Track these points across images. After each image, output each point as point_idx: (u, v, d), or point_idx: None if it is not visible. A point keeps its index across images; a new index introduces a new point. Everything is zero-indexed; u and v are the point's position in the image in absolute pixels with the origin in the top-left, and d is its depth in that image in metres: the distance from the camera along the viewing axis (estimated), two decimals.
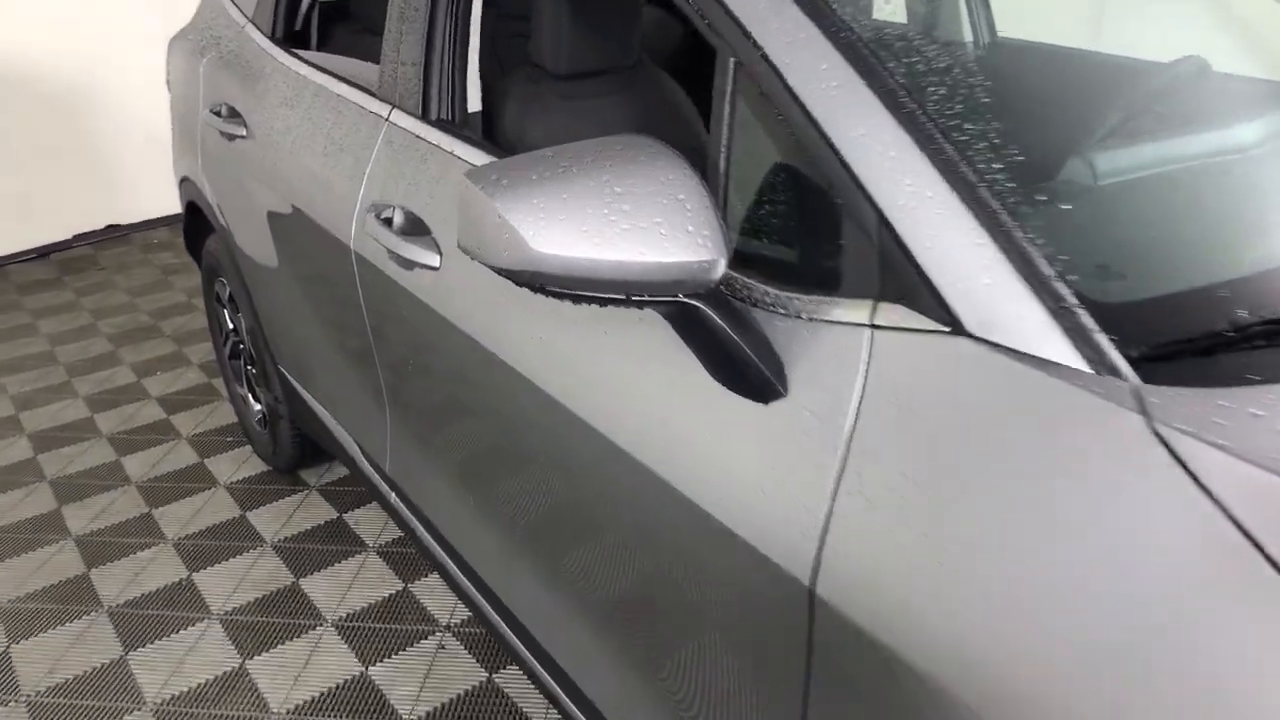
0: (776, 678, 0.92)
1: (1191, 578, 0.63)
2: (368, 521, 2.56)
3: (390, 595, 2.27)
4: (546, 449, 1.23)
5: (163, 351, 3.65)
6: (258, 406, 2.72)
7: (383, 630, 2.15)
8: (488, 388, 1.34)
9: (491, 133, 1.66)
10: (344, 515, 2.58)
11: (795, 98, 0.92)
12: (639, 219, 0.88)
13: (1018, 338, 0.77)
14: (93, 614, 2.25)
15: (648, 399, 1.03)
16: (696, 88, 1.96)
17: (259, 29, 2.22)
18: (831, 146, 0.89)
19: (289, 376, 2.29)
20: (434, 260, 1.40)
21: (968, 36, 2.45)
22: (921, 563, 0.76)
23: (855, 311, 0.87)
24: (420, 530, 1.74)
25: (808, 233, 0.96)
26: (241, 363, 2.75)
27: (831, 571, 0.83)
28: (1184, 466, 0.66)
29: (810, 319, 0.90)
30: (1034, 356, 0.76)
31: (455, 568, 1.64)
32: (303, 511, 2.61)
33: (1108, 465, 0.69)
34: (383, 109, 1.65)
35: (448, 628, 2.15)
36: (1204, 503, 0.64)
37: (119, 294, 4.25)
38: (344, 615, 2.21)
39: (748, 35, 0.97)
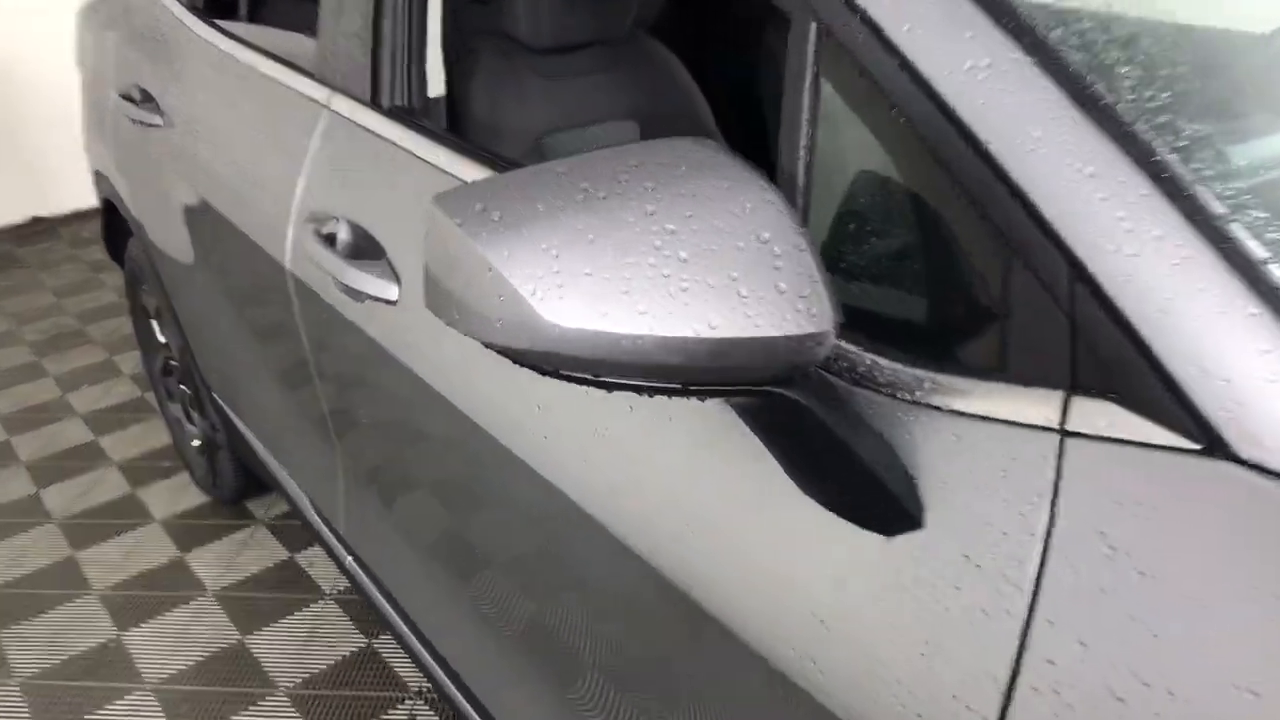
0: None
1: None
2: (323, 562, 2.24)
3: (353, 653, 1.96)
4: (551, 549, 0.94)
5: (91, 360, 3.28)
6: (195, 430, 2.38)
7: (346, 700, 1.85)
8: (468, 463, 1.03)
9: (458, 123, 1.34)
10: (295, 556, 2.26)
11: (923, 83, 0.62)
12: (704, 272, 0.57)
13: None
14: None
15: (698, 506, 0.74)
16: (694, 66, 1.66)
17: None
18: (986, 157, 0.59)
19: (224, 406, 1.96)
20: (390, 292, 1.08)
21: None
22: None
23: (1033, 407, 0.58)
24: (385, 607, 1.44)
25: (944, 282, 0.66)
26: (175, 381, 2.41)
27: None
28: None
29: (956, 413, 0.61)
30: None
31: (430, 660, 1.34)
32: (249, 552, 2.29)
33: None
34: (321, 94, 1.32)
35: (419, 693, 1.85)
36: None
37: (43, 295, 3.85)
38: (300, 681, 1.90)
39: None
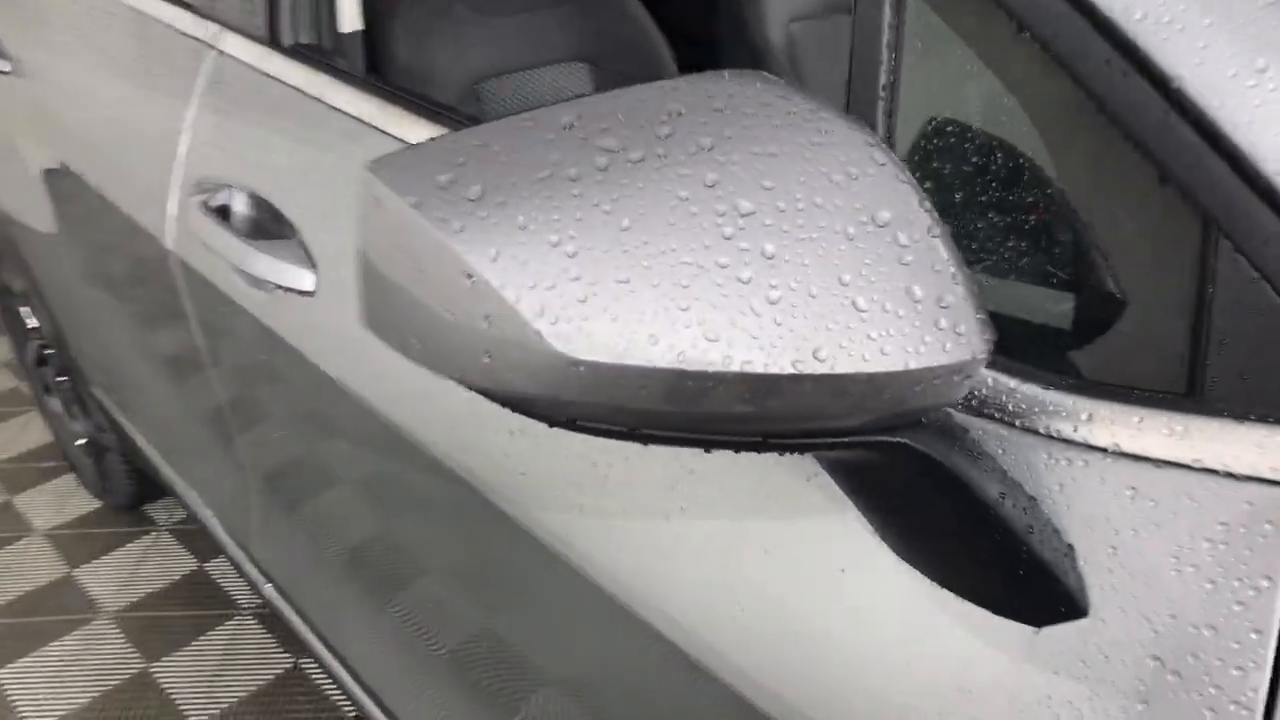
0: None
1: None
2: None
3: (277, 677, 1.74)
4: (534, 598, 0.74)
5: None
6: (79, 428, 2.09)
7: None
8: (415, 493, 0.83)
9: (378, 66, 1.11)
10: (205, 565, 2.01)
11: (1088, 9, 0.44)
12: (801, 277, 0.38)
13: None
14: None
15: (739, 579, 0.55)
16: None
17: None
18: (1176, 98, 0.41)
19: (108, 405, 1.69)
20: (304, 281, 0.85)
21: None
22: None
23: (1252, 446, 0.41)
24: (308, 634, 1.22)
25: (1102, 272, 0.48)
26: (52, 373, 2.10)
27: None
28: None
29: (1130, 456, 0.43)
30: None
31: (360, 691, 1.13)
32: (151, 564, 2.03)
33: None
34: (206, 30, 1.06)
35: None
36: None
37: None
38: (218, 713, 1.68)
39: None
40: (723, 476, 0.55)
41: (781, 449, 0.44)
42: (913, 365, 0.37)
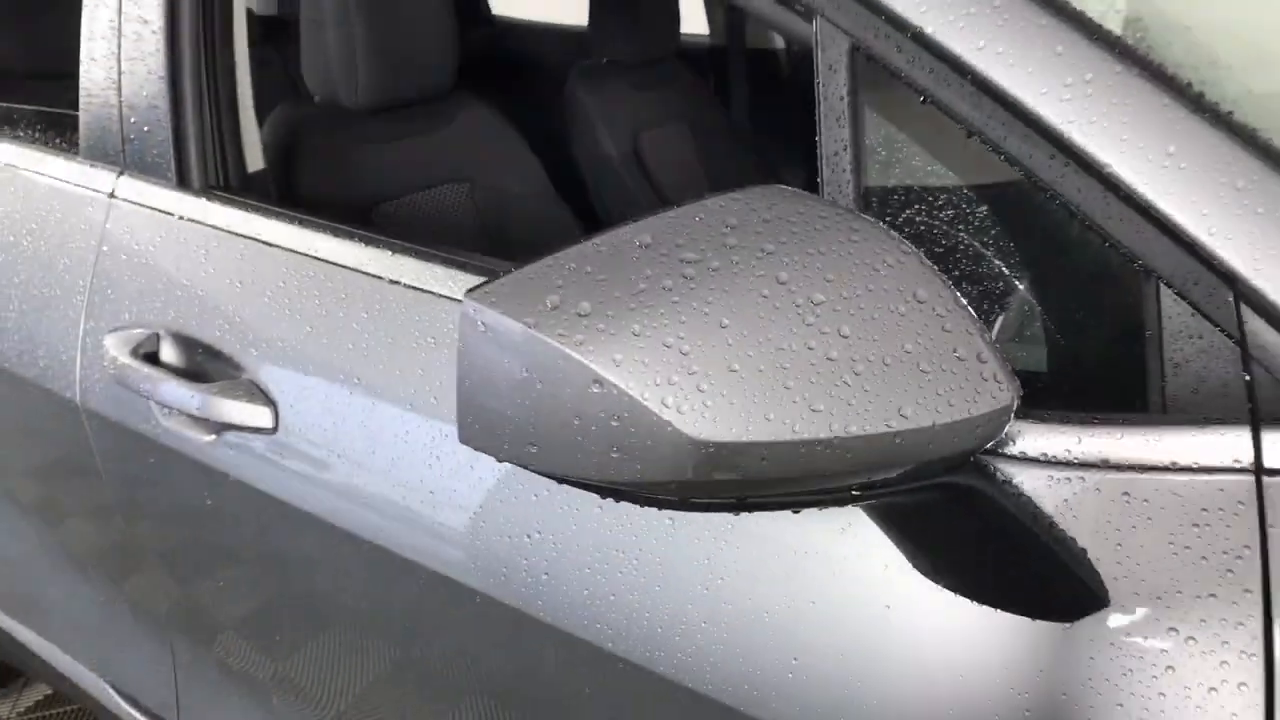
0: None
1: None
2: None
3: None
4: (580, 697, 0.75)
5: None
6: None
7: None
8: (410, 614, 0.82)
9: (283, 200, 1.12)
10: None
11: (1011, 104, 0.55)
12: (876, 348, 0.46)
13: None
14: None
15: (792, 635, 0.60)
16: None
17: None
18: (1112, 183, 0.53)
19: None
20: (263, 418, 0.85)
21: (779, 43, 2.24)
22: None
23: (1216, 448, 0.51)
24: None
25: (1075, 321, 0.59)
26: None
27: None
28: None
29: (1119, 467, 0.53)
30: None
31: None
32: None
33: None
34: (100, 179, 1.04)
35: None
36: None
37: None
38: None
39: (882, 10, 0.58)
40: (757, 543, 0.61)
41: (845, 502, 0.51)
42: (973, 412, 0.45)
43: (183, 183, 0.99)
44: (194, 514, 0.97)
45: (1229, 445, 0.51)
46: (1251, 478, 0.51)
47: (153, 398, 0.92)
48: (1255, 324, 0.51)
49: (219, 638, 1.08)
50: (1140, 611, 0.52)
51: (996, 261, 0.59)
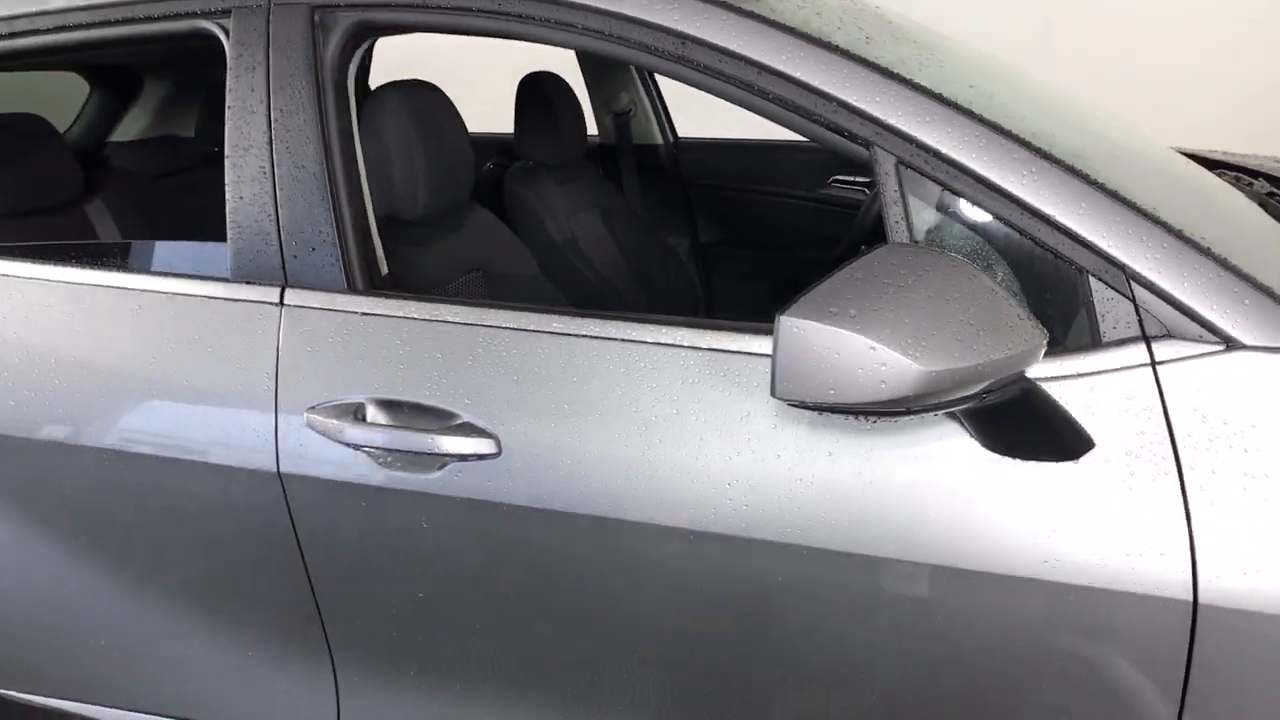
0: (1161, 693, 0.99)
1: None
2: None
3: None
4: (790, 612, 1.11)
5: None
6: None
7: None
8: (625, 568, 1.15)
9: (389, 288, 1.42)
10: None
11: (993, 188, 1.02)
12: (991, 314, 0.89)
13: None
14: None
15: (930, 502, 1.02)
16: None
17: None
18: (1054, 224, 1.00)
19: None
20: (488, 447, 1.16)
21: (658, 139, 2.71)
22: None
23: (1131, 356, 0.99)
24: None
25: (1049, 301, 1.05)
26: None
27: (1212, 581, 0.94)
28: None
29: (1086, 374, 0.99)
30: None
31: None
32: None
33: None
34: (262, 293, 1.29)
35: None
36: None
37: None
38: None
39: (913, 141, 1.04)
40: (891, 453, 1.02)
41: (965, 403, 0.93)
42: (1025, 349, 0.90)
43: (351, 287, 1.28)
44: (408, 539, 1.23)
45: (1136, 354, 0.99)
46: (1150, 370, 0.98)
47: (374, 447, 1.19)
48: (1140, 292, 0.99)
49: (394, 656, 1.32)
50: (1110, 446, 0.98)
51: (1003, 272, 1.05)
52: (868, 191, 2.52)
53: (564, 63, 2.44)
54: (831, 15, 1.27)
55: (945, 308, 0.89)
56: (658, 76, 2.71)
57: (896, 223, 1.05)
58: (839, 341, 0.85)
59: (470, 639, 1.28)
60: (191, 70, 2.78)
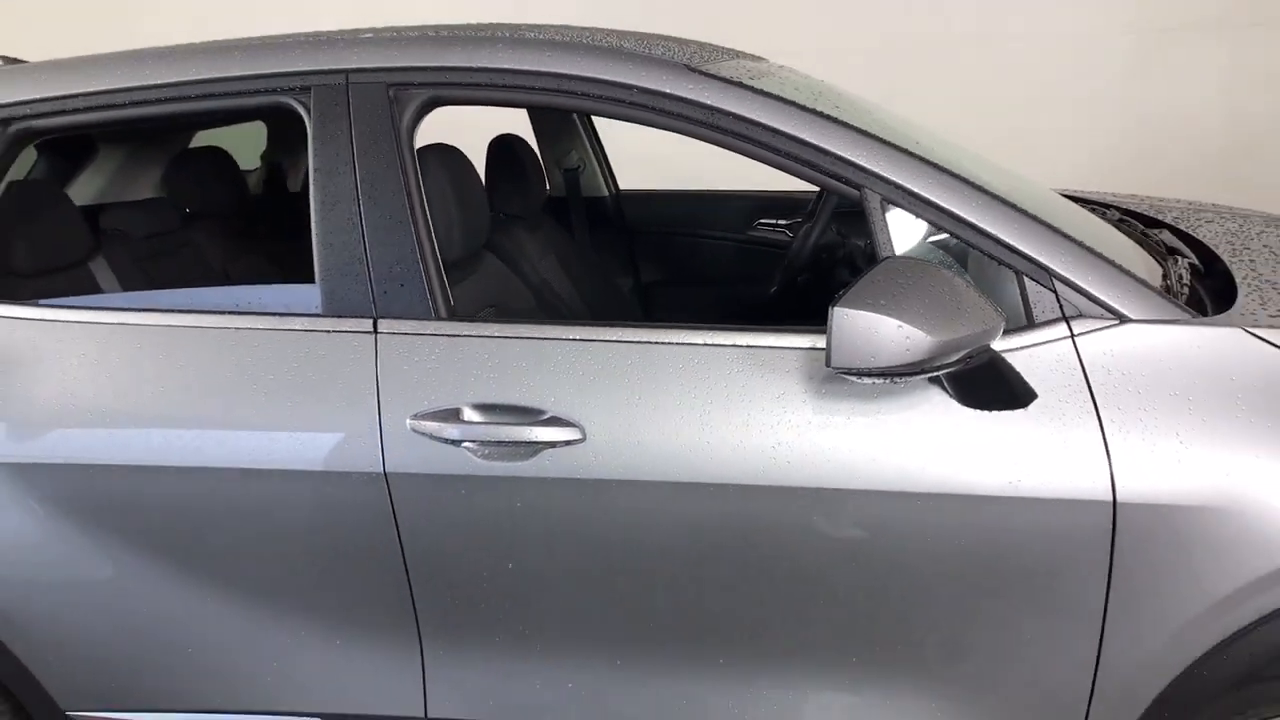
0: (1084, 590, 1.37)
1: None
2: None
3: None
4: (820, 542, 1.43)
5: None
6: None
7: None
8: (701, 519, 1.44)
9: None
10: None
11: (953, 216, 1.40)
12: (961, 304, 1.26)
13: (1168, 314, 1.38)
14: None
15: (916, 443, 1.37)
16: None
17: None
18: (997, 240, 1.39)
19: (98, 711, 1.74)
20: (575, 434, 1.44)
21: (604, 191, 3.04)
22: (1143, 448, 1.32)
23: (1056, 333, 1.38)
24: None
25: (993, 292, 1.43)
26: None
27: (1125, 486, 1.33)
28: None
29: (1024, 348, 1.38)
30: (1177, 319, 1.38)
31: None
32: None
33: None
34: (356, 324, 1.54)
35: None
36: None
37: None
38: None
39: (878, 176, 1.42)
40: (892, 413, 1.37)
41: (948, 368, 1.30)
42: (989, 328, 1.28)
43: (436, 315, 1.53)
44: (503, 520, 1.49)
45: (1060, 331, 1.38)
46: (1070, 342, 1.38)
47: (475, 441, 1.45)
48: (1059, 286, 1.39)
49: (476, 627, 1.56)
50: (1045, 395, 1.36)
51: (963, 275, 1.43)
52: (789, 233, 2.93)
53: (519, 123, 2.76)
54: (807, 92, 1.64)
55: (938, 298, 1.25)
56: (600, 134, 3.06)
57: (884, 243, 1.42)
58: (877, 323, 1.19)
59: (557, 602, 1.54)
60: (148, 137, 2.94)
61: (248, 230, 2.83)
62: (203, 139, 2.83)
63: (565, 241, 2.76)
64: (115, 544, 1.62)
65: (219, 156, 2.72)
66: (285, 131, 3.03)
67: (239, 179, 2.84)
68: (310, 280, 1.59)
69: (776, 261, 2.76)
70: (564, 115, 2.96)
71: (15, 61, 2.21)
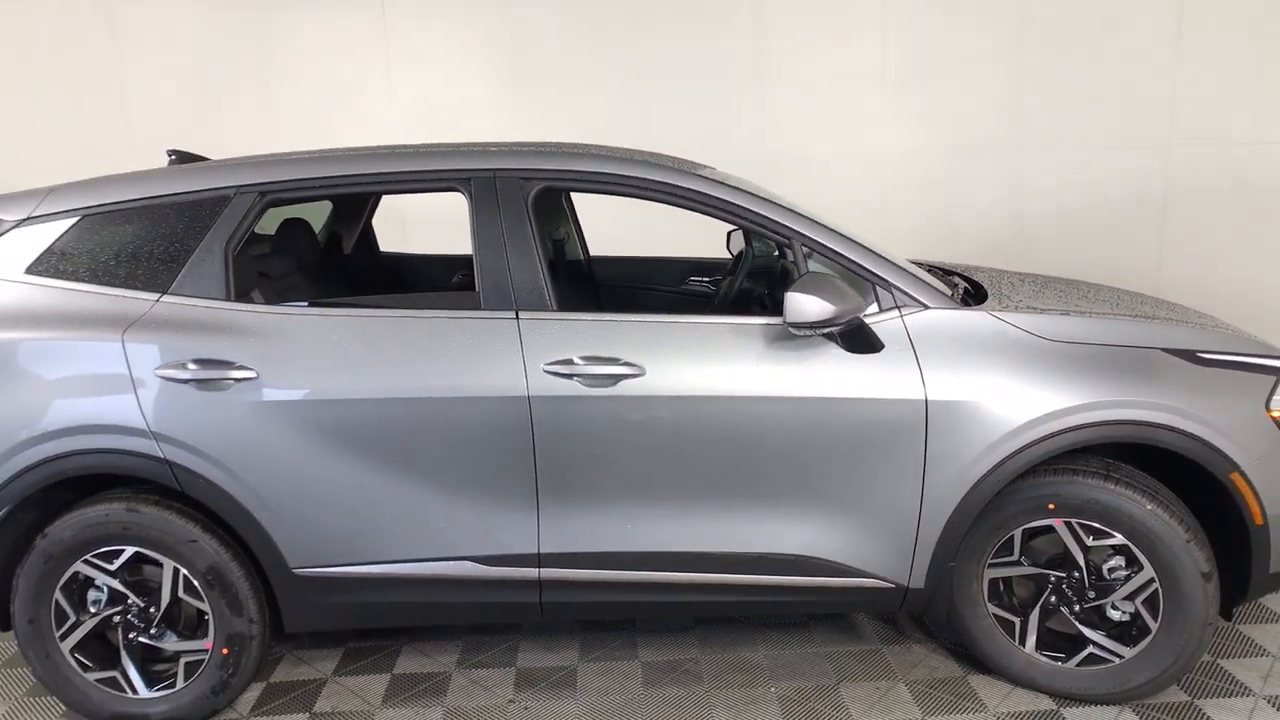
0: (913, 448, 2.59)
1: None
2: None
3: None
4: (760, 438, 2.60)
5: None
6: (188, 647, 2.76)
7: None
8: (707, 424, 2.59)
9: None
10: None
11: (836, 254, 2.65)
12: (845, 294, 2.50)
13: (951, 305, 2.66)
14: None
15: (825, 374, 2.58)
16: None
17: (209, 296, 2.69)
18: (860, 267, 2.65)
19: (314, 570, 2.69)
20: (638, 370, 2.57)
21: (579, 255, 4.21)
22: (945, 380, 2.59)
23: (891, 313, 2.64)
24: (594, 574, 2.67)
25: (859, 292, 2.66)
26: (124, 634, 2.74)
27: (931, 392, 2.57)
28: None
29: (876, 320, 2.62)
30: (949, 308, 2.66)
31: (636, 572, 2.67)
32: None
33: None
34: (503, 314, 2.63)
35: None
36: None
37: None
38: None
39: (800, 233, 2.66)
40: (803, 360, 2.58)
41: (844, 328, 2.51)
42: (866, 305, 2.51)
43: (550, 308, 2.65)
44: (595, 425, 2.58)
45: (894, 314, 2.64)
46: (900, 319, 2.63)
47: (581, 376, 2.56)
48: (894, 290, 2.65)
49: (572, 490, 2.64)
50: (890, 347, 2.60)
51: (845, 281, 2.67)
52: (711, 287, 4.16)
53: None
54: (750, 185, 2.89)
55: (835, 291, 2.47)
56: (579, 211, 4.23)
57: (804, 266, 2.65)
58: (808, 300, 2.41)
59: (624, 470, 2.63)
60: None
61: (322, 268, 3.82)
62: (287, 213, 3.82)
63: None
64: (346, 450, 2.62)
65: (305, 225, 3.72)
66: (342, 211, 4.05)
67: (315, 238, 3.83)
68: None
69: (704, 305, 3.99)
70: (556, 202, 4.12)
71: (192, 156, 3.21)
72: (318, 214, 3.96)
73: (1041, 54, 5.39)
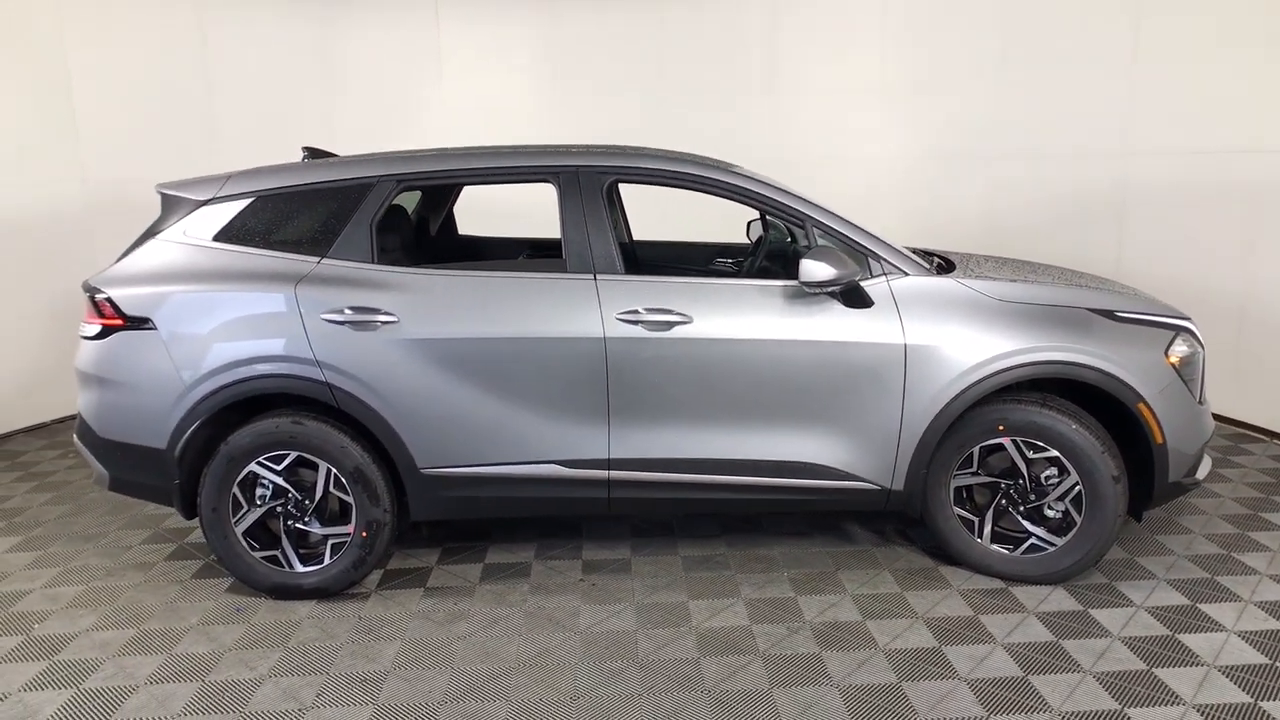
0: (894, 381, 3.41)
1: None
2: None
3: None
4: (770, 373, 3.42)
5: None
6: (337, 531, 3.57)
7: None
8: (725, 360, 3.41)
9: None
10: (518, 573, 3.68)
11: (828, 226, 3.48)
12: (845, 261, 3.33)
13: (926, 274, 3.48)
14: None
15: (829, 323, 3.40)
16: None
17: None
18: (855, 241, 3.48)
19: (436, 470, 3.50)
20: (687, 318, 3.39)
21: (625, 240, 5.03)
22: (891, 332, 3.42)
23: (880, 279, 3.46)
24: (651, 476, 3.49)
25: (856, 261, 3.48)
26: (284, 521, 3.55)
27: (909, 339, 3.39)
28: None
29: (868, 284, 3.44)
30: (930, 277, 3.49)
31: (688, 475, 3.49)
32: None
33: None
34: (584, 278, 3.45)
35: None
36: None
37: None
38: None
39: (812, 217, 3.48)
40: (798, 318, 3.41)
41: (837, 287, 3.33)
42: (861, 269, 3.32)
43: (621, 271, 3.47)
44: (655, 360, 3.40)
45: (882, 280, 3.46)
46: (887, 284, 3.45)
47: (645, 323, 3.38)
48: (883, 260, 3.48)
49: (635, 411, 3.45)
50: (877, 303, 3.42)
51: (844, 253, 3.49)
52: (734, 267, 4.98)
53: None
54: (774, 180, 3.71)
55: (836, 260, 3.28)
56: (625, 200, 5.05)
57: (814, 240, 3.47)
58: (817, 266, 3.22)
59: (674, 395, 3.45)
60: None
61: (417, 245, 4.62)
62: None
63: None
64: (464, 377, 3.43)
65: (403, 210, 4.53)
66: (430, 200, 4.87)
67: (410, 220, 4.63)
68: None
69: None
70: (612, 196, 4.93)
71: (321, 153, 4.03)
72: (409, 202, 4.78)
73: (1017, 72, 6.23)
